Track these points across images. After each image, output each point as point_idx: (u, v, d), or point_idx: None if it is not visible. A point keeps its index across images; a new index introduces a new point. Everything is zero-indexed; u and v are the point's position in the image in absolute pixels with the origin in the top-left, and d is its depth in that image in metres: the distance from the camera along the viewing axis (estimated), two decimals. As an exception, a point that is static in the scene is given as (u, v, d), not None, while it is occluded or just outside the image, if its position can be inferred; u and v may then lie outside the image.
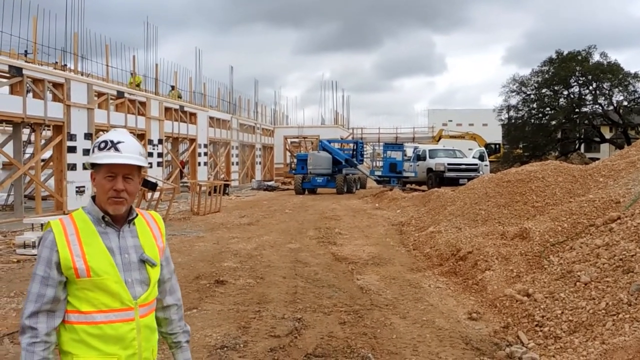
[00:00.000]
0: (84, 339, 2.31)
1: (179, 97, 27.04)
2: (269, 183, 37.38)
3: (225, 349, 5.79)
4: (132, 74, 23.23)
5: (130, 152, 2.40)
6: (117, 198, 2.37)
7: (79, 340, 2.31)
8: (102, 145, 2.40)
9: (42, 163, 17.82)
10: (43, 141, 17.67)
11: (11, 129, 17.66)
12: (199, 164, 29.42)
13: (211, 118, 31.39)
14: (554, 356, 5.34)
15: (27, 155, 17.97)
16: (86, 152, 16.97)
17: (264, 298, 7.81)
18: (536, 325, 6.02)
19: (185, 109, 27.76)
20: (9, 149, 17.11)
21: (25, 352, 2.25)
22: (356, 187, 31.82)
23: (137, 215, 2.49)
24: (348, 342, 5.92)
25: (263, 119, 45.24)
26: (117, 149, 2.38)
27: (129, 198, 2.41)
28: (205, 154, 30.44)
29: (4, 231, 14.14)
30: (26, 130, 18.38)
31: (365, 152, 40.07)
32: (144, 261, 2.44)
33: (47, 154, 18.38)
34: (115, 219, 2.42)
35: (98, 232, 2.38)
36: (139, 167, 2.45)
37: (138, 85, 22.66)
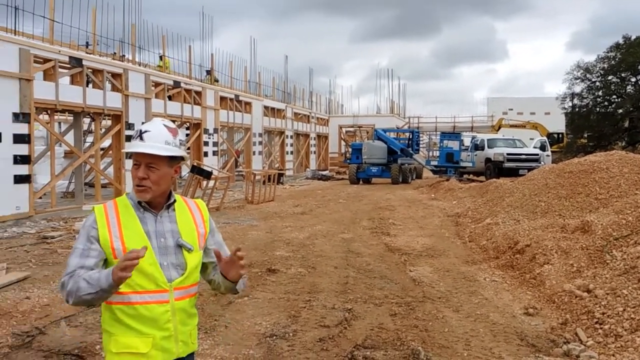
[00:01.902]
0: (121, 318, 2.38)
1: (216, 81, 26.97)
2: (324, 172, 37.42)
3: (275, 337, 5.78)
4: (161, 57, 23.27)
5: (153, 142, 2.43)
6: (140, 186, 2.44)
7: (116, 320, 2.40)
8: (134, 134, 2.50)
9: (101, 152, 18.28)
10: (102, 130, 18.11)
11: (72, 118, 18.18)
12: (254, 153, 29.68)
13: (266, 107, 31.58)
14: (613, 355, 5.08)
15: (87, 144, 18.49)
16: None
17: (314, 288, 7.77)
18: (596, 323, 5.75)
19: (240, 98, 28.00)
20: (69, 137, 17.64)
21: (70, 284, 2.29)
22: (412, 177, 31.46)
23: (174, 201, 2.55)
24: (398, 334, 5.81)
25: (318, 108, 45.25)
26: (141, 138, 2.44)
27: (153, 187, 2.44)
28: (260, 143, 30.67)
29: (65, 217, 14.61)
30: (86, 120, 18.89)
31: (421, 142, 39.59)
32: (180, 246, 2.48)
33: (106, 142, 18.86)
34: (153, 204, 2.50)
35: (137, 216, 2.47)
36: (169, 157, 2.46)
37: (165, 68, 22.74)
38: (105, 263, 2.40)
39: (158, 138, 2.44)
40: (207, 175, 16.81)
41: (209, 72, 26.79)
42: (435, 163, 30.30)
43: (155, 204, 2.49)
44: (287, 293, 7.50)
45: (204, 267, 2.65)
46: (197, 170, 16.83)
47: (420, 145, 38.03)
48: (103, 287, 2.23)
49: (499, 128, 43.17)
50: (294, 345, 5.55)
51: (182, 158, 2.54)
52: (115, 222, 2.42)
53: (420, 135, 39.36)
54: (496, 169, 26.41)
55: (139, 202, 2.47)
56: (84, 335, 5.78)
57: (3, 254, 9.93)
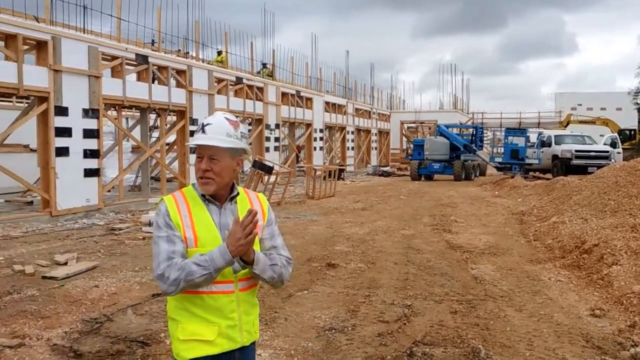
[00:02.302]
0: (187, 307, 2.44)
1: (269, 75, 27.08)
2: (385, 168, 37.21)
3: (334, 331, 5.79)
4: (219, 52, 23.51)
5: (214, 134, 2.47)
6: (202, 178, 2.48)
7: (182, 308, 2.45)
8: (197, 128, 2.57)
9: (166, 147, 18.75)
10: (167, 126, 18.59)
11: (138, 114, 18.73)
12: (315, 148, 29.82)
13: (327, 103, 31.66)
14: (689, 361, 4.84)
15: (153, 139, 19.01)
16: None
17: (374, 283, 7.74)
18: (668, 326, 5.50)
19: (302, 94, 28.18)
20: (136, 133, 18.19)
21: (175, 272, 2.32)
22: (475, 174, 30.90)
23: (238, 193, 2.59)
24: (458, 332, 5.72)
25: (379, 104, 45.02)
26: (204, 131, 2.49)
27: (216, 178, 2.47)
28: (321, 138, 30.78)
29: (132, 210, 15.08)
30: (152, 116, 19.41)
31: (485, 138, 38.80)
32: None
33: (171, 137, 19.34)
34: (216, 197, 2.53)
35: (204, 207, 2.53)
36: (231, 149, 2.50)
37: (222, 62, 22.97)
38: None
39: (220, 130, 2.47)
40: (269, 170, 17.01)
41: (264, 65, 26.91)
42: (500, 160, 29.59)
43: (218, 196, 2.53)
44: (347, 288, 7.51)
45: None
46: (258, 165, 17.04)
47: (484, 142, 37.27)
48: (218, 266, 2.31)
49: (567, 124, 41.81)
50: (353, 339, 5.55)
51: (243, 150, 2.56)
52: (185, 211, 2.47)
53: (484, 131, 38.55)
54: (564, 166, 25.61)
55: (203, 195, 2.51)
56: (149, 323, 5.96)
57: (74, 244, 10.35)
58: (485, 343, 5.39)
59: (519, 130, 32.35)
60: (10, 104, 22.30)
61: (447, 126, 32.57)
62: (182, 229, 2.42)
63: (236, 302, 2.47)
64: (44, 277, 7.64)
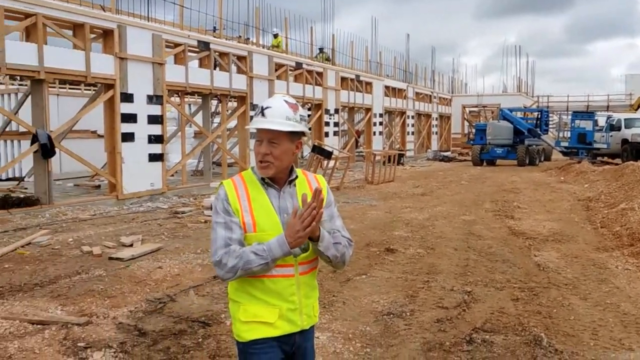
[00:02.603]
0: (248, 290, 2.47)
1: (327, 59, 26.78)
2: (445, 153, 36.67)
3: (392, 315, 5.77)
4: (275, 36, 23.33)
5: (274, 117, 2.45)
6: (262, 162, 2.47)
7: (243, 291, 2.48)
8: (256, 111, 2.54)
9: (227, 132, 19.03)
10: (229, 111, 18.84)
11: (200, 100, 19.05)
12: (374, 133, 29.64)
13: (387, 87, 31.35)
14: None
15: (214, 125, 19.30)
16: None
17: (433, 269, 7.66)
18: None
19: (361, 78, 28.00)
20: (198, 118, 18.52)
21: (233, 260, 2.35)
22: (539, 159, 30.02)
23: (296, 176, 2.57)
24: (520, 319, 5.60)
25: (440, 88, 44.29)
26: (263, 115, 2.47)
27: (275, 162, 2.46)
28: (381, 123, 30.56)
29: (195, 194, 15.42)
30: (213, 102, 19.70)
31: (550, 122, 37.63)
32: None
33: (232, 123, 19.59)
34: (275, 180, 2.52)
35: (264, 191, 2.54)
36: (290, 133, 2.47)
37: (278, 47, 22.93)
38: None
39: (279, 113, 2.45)
40: (328, 155, 17.04)
41: (321, 50, 26.73)
42: (566, 144, 28.63)
43: (277, 180, 2.52)
44: (405, 273, 7.46)
45: None
46: (317, 150, 17.09)
47: (550, 126, 36.16)
48: (276, 256, 2.35)
49: (638, 107, 40.00)
50: (411, 324, 5.51)
51: (303, 133, 2.54)
52: (244, 195, 2.47)
53: (550, 114, 37.37)
54: (634, 150, 24.59)
55: (262, 179, 2.51)
56: (210, 304, 6.09)
57: (139, 226, 10.68)
58: (548, 331, 5.26)
59: (587, 113, 31.18)
60: (79, 91, 23.13)
61: (511, 110, 31.71)
62: (241, 214, 2.43)
63: (296, 285, 2.48)
64: (110, 258, 7.92)
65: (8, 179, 16.72)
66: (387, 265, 7.90)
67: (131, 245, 8.74)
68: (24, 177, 16.01)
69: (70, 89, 23.46)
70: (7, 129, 15.37)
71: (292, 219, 2.34)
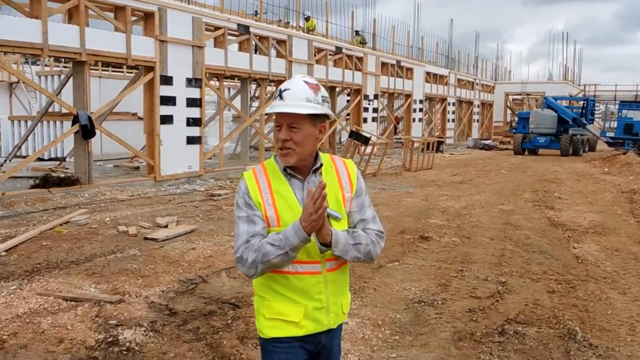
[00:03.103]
0: (272, 286, 2.34)
1: (362, 42, 26.11)
2: (486, 142, 36.07)
3: (423, 304, 5.70)
4: (307, 18, 22.78)
5: (293, 99, 2.26)
6: (282, 149, 2.29)
7: (269, 287, 2.36)
8: (275, 94, 2.40)
9: (265, 116, 19.05)
10: (267, 95, 18.84)
11: (239, 84, 19.10)
12: (414, 120, 29.33)
13: (428, 73, 30.94)
14: None
15: (252, 109, 19.35)
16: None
17: (467, 258, 7.53)
18: None
19: (402, 64, 27.68)
20: (237, 102, 18.59)
21: (252, 254, 2.21)
22: (583, 149, 29.28)
23: (321, 164, 2.37)
24: (555, 312, 5.46)
25: (483, 75, 43.50)
26: (281, 97, 2.29)
27: (296, 148, 2.27)
28: (421, 110, 30.21)
29: (231, 177, 15.51)
30: (252, 85, 19.71)
31: (596, 111, 36.62)
32: (328, 215, 2.26)
33: (271, 107, 19.53)
34: (298, 169, 2.34)
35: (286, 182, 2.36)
36: (311, 116, 2.28)
37: (313, 30, 22.50)
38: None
39: (298, 95, 2.26)
40: (365, 140, 16.92)
41: (357, 33, 26.26)
42: (612, 135, 27.88)
43: (300, 168, 2.33)
44: (439, 261, 7.35)
45: None
46: (355, 136, 16.99)
47: (596, 115, 35.19)
48: (293, 244, 2.15)
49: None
50: (442, 313, 5.43)
51: (326, 116, 2.35)
52: (266, 188, 2.31)
53: (596, 104, 36.36)
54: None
55: (285, 168, 2.32)
56: (241, 286, 6.11)
57: (175, 208, 10.80)
58: (583, 325, 5.12)
59: (635, 103, 30.23)
60: (121, 73, 23.49)
61: (556, 98, 30.97)
62: (263, 208, 2.28)
63: (323, 283, 2.33)
64: (145, 239, 8.02)
65: (50, 159, 17.13)
66: (420, 253, 7.80)
67: (166, 226, 8.84)
68: (66, 157, 16.37)
69: (112, 71, 23.84)
70: (50, 110, 15.69)
71: (307, 200, 2.14)
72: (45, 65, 24.44)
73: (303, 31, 21.21)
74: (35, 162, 16.28)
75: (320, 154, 2.42)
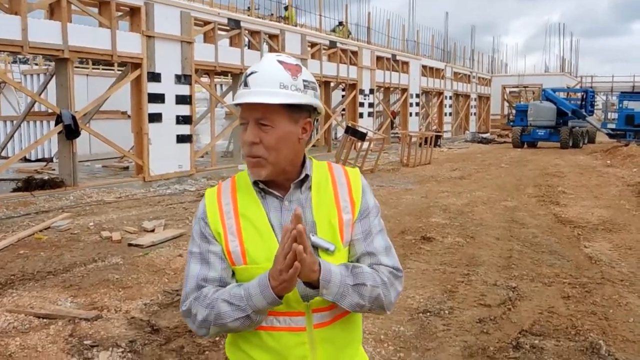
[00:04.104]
0: (241, 346, 1.70)
1: (349, 34, 24.67)
2: (484, 135, 35.68)
3: (428, 314, 5.23)
4: (286, 7, 21.65)
5: (261, 85, 1.61)
6: (250, 157, 1.66)
7: (235, 346, 1.73)
8: (239, 81, 1.72)
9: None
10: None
11: (231, 80, 18.58)
12: (411, 114, 28.87)
13: (424, 67, 30.46)
14: None
15: (245, 105, 18.81)
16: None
17: (473, 260, 7.07)
18: None
19: (398, 57, 27.19)
20: (229, 99, 18.06)
21: (201, 311, 1.60)
22: (583, 142, 28.85)
23: (306, 175, 1.71)
24: (572, 321, 5.00)
25: (480, 68, 43.03)
26: (246, 84, 1.65)
27: (269, 155, 1.63)
28: (417, 104, 29.75)
29: (224, 176, 14.99)
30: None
31: (596, 103, 36.20)
32: (315, 246, 1.63)
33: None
34: (275, 183, 1.69)
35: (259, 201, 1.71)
36: (288, 107, 1.64)
37: (289, 19, 21.39)
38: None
39: (268, 80, 1.62)
40: (362, 136, 16.44)
41: (340, 23, 24.80)
42: (613, 126, 27.45)
43: (279, 183, 1.69)
44: (443, 264, 6.89)
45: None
46: (351, 132, 16.50)
47: (595, 107, 34.77)
48: (258, 307, 1.54)
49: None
50: (450, 324, 4.96)
51: (312, 109, 1.70)
52: (231, 211, 1.68)
53: (595, 95, 35.97)
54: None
55: (255, 182, 1.69)
56: (230, 297, 5.63)
57: (163, 210, 10.29)
58: (605, 336, 4.66)
59: (636, 94, 29.79)
60: (112, 71, 22.92)
61: (554, 90, 30.52)
62: (224, 239, 1.66)
63: (309, 344, 1.64)
64: (129, 245, 7.53)
65: (38, 160, 16.61)
66: (423, 255, 7.34)
67: (153, 231, 8.35)
68: (52, 157, 15.85)
69: (103, 69, 23.28)
70: (37, 110, 15.16)
71: (280, 243, 1.50)
72: (35, 64, 23.87)
73: (277, 20, 20.33)
74: (21, 164, 15.81)
75: (313, 161, 1.78)
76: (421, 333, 4.79)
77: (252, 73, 1.65)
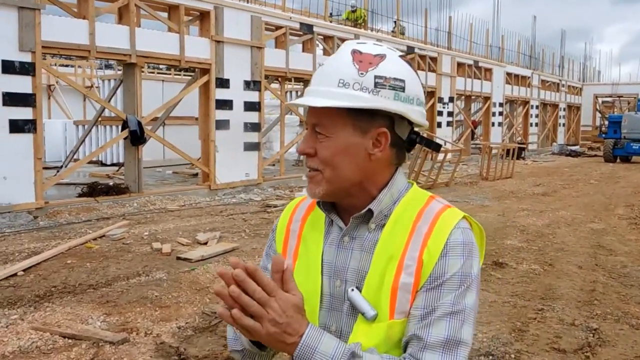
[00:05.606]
0: None
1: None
2: (573, 148, 33.75)
3: (491, 358, 4.54)
4: (353, 11, 19.80)
5: (318, 84, 1.29)
6: (308, 169, 1.34)
7: None
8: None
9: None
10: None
11: (302, 87, 18.21)
12: (493, 124, 27.59)
13: (508, 74, 29.08)
14: None
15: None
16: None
17: (550, 292, 6.26)
18: None
19: (480, 64, 26.06)
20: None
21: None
22: (684, 158, 26.60)
23: (369, 211, 1.32)
24: (667, 378, 4.17)
25: (570, 75, 40.88)
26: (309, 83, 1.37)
27: (324, 170, 1.29)
28: (501, 113, 28.41)
29: (292, 186, 14.64)
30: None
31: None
32: (353, 305, 1.29)
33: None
34: (342, 208, 1.36)
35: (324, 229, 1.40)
36: (351, 112, 1.26)
37: (357, 21, 20.01)
38: None
39: (328, 76, 1.28)
40: (436, 147, 15.39)
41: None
42: None
43: (344, 207, 1.36)
44: (515, 296, 6.13)
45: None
46: (425, 142, 15.70)
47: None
48: (243, 345, 1.33)
49: None
50: (515, 374, 4.26)
51: (388, 116, 1.29)
52: (296, 232, 1.43)
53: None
54: None
55: (319, 203, 1.38)
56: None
57: (222, 221, 9.96)
58: None
59: None
60: (189, 77, 23.19)
61: (652, 100, 28.42)
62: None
63: None
64: (178, 258, 7.19)
65: (112, 164, 16.84)
66: (492, 283, 6.59)
67: (206, 243, 8.00)
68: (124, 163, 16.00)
69: (175, 74, 23.58)
70: (109, 115, 15.31)
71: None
72: (119, 70, 24.54)
73: (339, 22, 19.35)
74: (95, 168, 16.07)
75: (411, 190, 1.39)
76: (480, 382, 4.12)
77: (320, 65, 1.36)
